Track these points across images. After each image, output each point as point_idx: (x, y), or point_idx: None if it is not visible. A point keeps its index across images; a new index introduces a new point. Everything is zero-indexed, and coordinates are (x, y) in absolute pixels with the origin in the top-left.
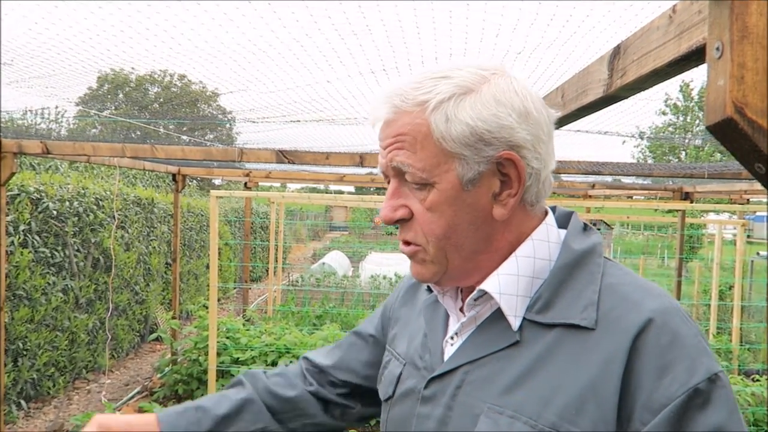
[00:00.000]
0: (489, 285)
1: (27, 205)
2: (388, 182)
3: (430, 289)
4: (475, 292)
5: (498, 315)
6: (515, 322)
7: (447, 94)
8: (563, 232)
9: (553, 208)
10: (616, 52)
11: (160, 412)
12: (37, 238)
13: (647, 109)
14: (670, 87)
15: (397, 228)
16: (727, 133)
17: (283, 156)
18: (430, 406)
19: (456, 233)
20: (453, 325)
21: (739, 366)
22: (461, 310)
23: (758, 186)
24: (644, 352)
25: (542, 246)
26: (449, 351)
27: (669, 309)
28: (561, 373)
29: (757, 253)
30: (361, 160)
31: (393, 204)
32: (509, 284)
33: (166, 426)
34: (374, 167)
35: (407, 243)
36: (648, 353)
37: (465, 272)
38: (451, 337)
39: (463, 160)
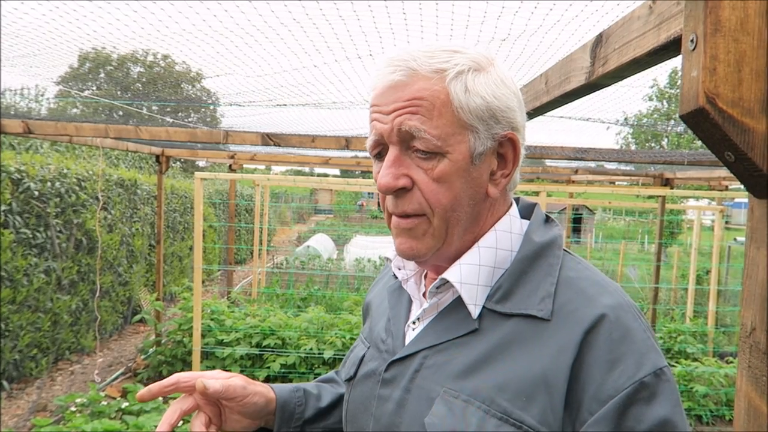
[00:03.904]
0: (451, 274)
1: (8, 185)
2: (378, 153)
3: (395, 276)
4: (437, 280)
5: (459, 303)
6: (475, 311)
7: (465, 67)
8: (526, 222)
9: (517, 200)
10: (599, 41)
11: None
12: (19, 218)
13: (631, 96)
14: (660, 74)
15: (381, 210)
16: (699, 122)
17: (269, 139)
18: (389, 389)
19: (460, 206)
20: (416, 311)
21: (714, 348)
22: (424, 295)
23: None
24: (596, 346)
25: (505, 237)
26: (411, 335)
27: (622, 305)
28: (516, 361)
29: (735, 239)
30: (347, 143)
31: (395, 172)
32: (470, 274)
33: (280, 399)
34: (361, 150)
35: (406, 216)
36: (599, 347)
37: (453, 252)
38: (413, 322)
39: (477, 133)
